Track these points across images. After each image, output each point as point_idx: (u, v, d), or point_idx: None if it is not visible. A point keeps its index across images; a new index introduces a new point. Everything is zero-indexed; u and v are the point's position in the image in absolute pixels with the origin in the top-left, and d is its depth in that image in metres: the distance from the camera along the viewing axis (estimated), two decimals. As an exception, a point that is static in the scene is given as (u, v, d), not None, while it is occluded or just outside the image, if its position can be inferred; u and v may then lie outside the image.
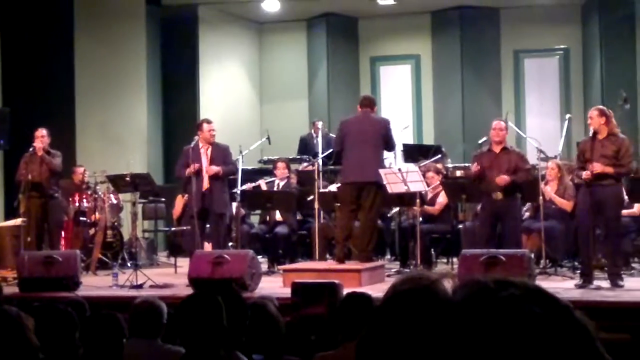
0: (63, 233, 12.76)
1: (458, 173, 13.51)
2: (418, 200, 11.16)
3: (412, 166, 12.17)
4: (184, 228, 12.57)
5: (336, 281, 8.19)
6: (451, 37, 17.38)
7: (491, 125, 10.77)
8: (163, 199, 14.46)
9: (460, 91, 17.24)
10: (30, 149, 11.96)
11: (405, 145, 14.09)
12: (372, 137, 10.69)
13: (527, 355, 1.05)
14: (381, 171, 10.75)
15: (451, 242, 11.91)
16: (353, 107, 11.26)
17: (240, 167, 11.79)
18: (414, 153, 13.88)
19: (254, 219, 13.90)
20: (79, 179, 13.61)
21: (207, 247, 11.45)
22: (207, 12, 17.12)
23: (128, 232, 12.93)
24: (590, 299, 8.82)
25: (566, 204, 11.31)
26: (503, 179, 10.29)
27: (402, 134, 13.84)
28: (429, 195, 12.01)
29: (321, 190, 12.06)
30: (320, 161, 12.36)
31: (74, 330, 5.06)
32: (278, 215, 12.67)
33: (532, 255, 9.83)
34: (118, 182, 12.26)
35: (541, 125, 16.56)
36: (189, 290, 8.76)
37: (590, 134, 9.74)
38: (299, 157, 14.87)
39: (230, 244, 11.95)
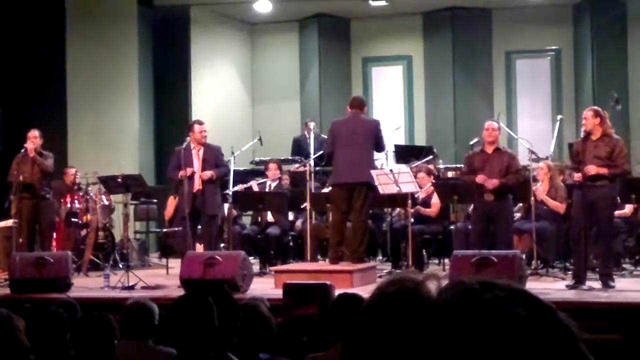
0: (54, 234, 12.75)
1: (450, 174, 13.53)
2: (410, 201, 11.17)
3: (403, 167, 12.17)
4: (176, 229, 12.57)
5: (328, 282, 8.19)
6: (443, 38, 17.40)
7: (483, 126, 10.78)
8: (155, 200, 14.45)
9: (452, 92, 17.26)
10: (22, 150, 11.95)
11: (396, 146, 14.09)
12: (362, 138, 10.68)
13: (511, 357, 1.06)
14: (373, 172, 10.75)
15: (443, 243, 11.91)
16: (345, 108, 11.27)
17: (232, 168, 11.81)
18: (405, 154, 13.88)
19: (246, 220, 13.89)
20: (70, 180, 13.60)
21: (199, 248, 11.45)
22: (199, 13, 17.12)
23: (119, 234, 12.92)
24: (583, 299, 8.84)
25: (559, 206, 11.33)
26: (492, 183, 10.29)
27: (394, 135, 13.85)
28: (421, 196, 12.02)
29: (313, 191, 12.08)
30: (312, 162, 12.38)
31: (65, 331, 5.06)
32: (270, 217, 12.67)
33: (524, 256, 9.85)
34: (110, 183, 12.25)
35: (533, 126, 16.59)
36: (181, 292, 8.75)
37: (582, 135, 9.74)
38: (290, 158, 14.87)
39: (221, 245, 11.95)
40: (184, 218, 11.11)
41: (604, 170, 9.38)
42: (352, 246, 10.66)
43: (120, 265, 12.30)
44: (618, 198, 10.37)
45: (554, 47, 17.35)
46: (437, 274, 1.23)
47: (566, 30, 17.18)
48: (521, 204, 11.67)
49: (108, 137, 15.73)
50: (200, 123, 11.51)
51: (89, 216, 13.17)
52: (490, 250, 9.68)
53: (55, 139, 13.85)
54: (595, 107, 10.07)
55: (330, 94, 17.65)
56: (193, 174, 11.12)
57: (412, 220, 11.30)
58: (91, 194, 13.29)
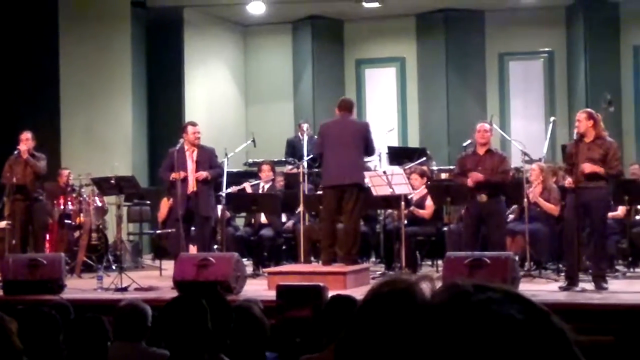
0: (48, 236, 12.73)
1: (443, 176, 13.54)
2: (403, 203, 11.17)
3: (397, 169, 12.17)
4: (169, 231, 12.55)
5: (321, 284, 8.20)
6: (436, 39, 17.41)
7: (476, 128, 10.79)
8: (148, 202, 14.42)
9: (445, 94, 17.27)
10: (15, 152, 11.94)
11: (390, 148, 14.09)
12: (351, 140, 10.68)
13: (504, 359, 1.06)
14: (366, 174, 10.76)
15: (436, 245, 11.92)
16: (338, 110, 11.27)
17: (225, 169, 11.80)
18: (399, 156, 13.88)
19: (239, 221, 13.89)
20: (63, 181, 13.58)
21: (192, 249, 11.44)
22: (192, 14, 17.10)
23: (113, 235, 12.91)
24: (575, 301, 8.86)
25: (553, 209, 11.34)
26: (476, 176, 10.25)
27: (387, 137, 13.87)
28: (415, 198, 12.03)
29: (307, 193, 12.08)
30: (305, 163, 12.38)
31: (58, 333, 5.05)
32: (263, 218, 12.67)
33: (517, 258, 9.86)
34: (103, 185, 12.24)
35: (526, 128, 16.61)
36: (174, 293, 8.75)
37: (575, 137, 9.75)
38: (284, 159, 14.87)
39: (215, 246, 11.94)
40: (178, 219, 11.11)
41: (600, 169, 9.38)
42: (345, 248, 10.65)
43: (114, 267, 12.29)
44: (611, 200, 10.39)
45: (546, 49, 17.37)
46: (430, 276, 1.24)
47: (559, 32, 17.20)
48: (515, 206, 11.68)
49: (101, 139, 15.71)
50: (193, 124, 11.50)
51: (82, 218, 13.16)
52: (483, 251, 9.69)
53: (48, 141, 13.83)
54: (589, 110, 10.07)
55: (324, 96, 17.63)
56: (186, 177, 11.12)
57: (406, 221, 11.30)
58: (84, 196, 13.28)
